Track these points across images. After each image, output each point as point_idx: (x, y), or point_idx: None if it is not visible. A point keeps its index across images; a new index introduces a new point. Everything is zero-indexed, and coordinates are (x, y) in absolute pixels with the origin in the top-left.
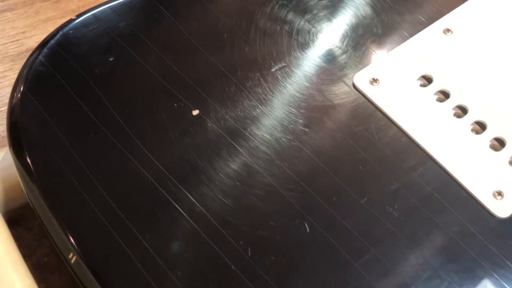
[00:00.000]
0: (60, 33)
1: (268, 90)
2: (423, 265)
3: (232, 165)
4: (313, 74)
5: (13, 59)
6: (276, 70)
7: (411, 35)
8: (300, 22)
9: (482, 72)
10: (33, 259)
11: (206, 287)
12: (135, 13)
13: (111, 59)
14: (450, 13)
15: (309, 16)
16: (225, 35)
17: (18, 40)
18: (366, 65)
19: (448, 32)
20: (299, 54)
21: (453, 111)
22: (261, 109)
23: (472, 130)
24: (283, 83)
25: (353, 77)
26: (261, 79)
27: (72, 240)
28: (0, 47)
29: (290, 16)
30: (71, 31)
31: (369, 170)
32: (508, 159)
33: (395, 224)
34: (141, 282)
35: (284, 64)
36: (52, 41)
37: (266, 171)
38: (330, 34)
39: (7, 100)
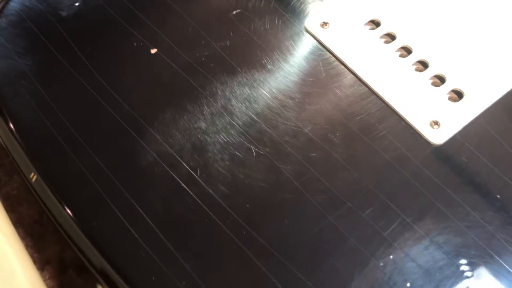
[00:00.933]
0: None
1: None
2: (358, 184)
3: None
4: (267, 19)
5: None
6: (234, 14)
7: None
8: None
9: (428, 15)
10: (3, 191)
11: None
12: None
13: (77, 3)
14: None
15: None
16: None
17: None
18: (317, 10)
19: None
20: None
21: (399, 52)
22: (220, 53)
23: (416, 69)
24: (240, 27)
25: (304, 21)
26: (219, 21)
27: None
28: None
29: None
30: None
31: (314, 103)
32: (447, 93)
33: (335, 148)
34: (92, 191)
35: (239, 10)
36: None
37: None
38: None
39: None
